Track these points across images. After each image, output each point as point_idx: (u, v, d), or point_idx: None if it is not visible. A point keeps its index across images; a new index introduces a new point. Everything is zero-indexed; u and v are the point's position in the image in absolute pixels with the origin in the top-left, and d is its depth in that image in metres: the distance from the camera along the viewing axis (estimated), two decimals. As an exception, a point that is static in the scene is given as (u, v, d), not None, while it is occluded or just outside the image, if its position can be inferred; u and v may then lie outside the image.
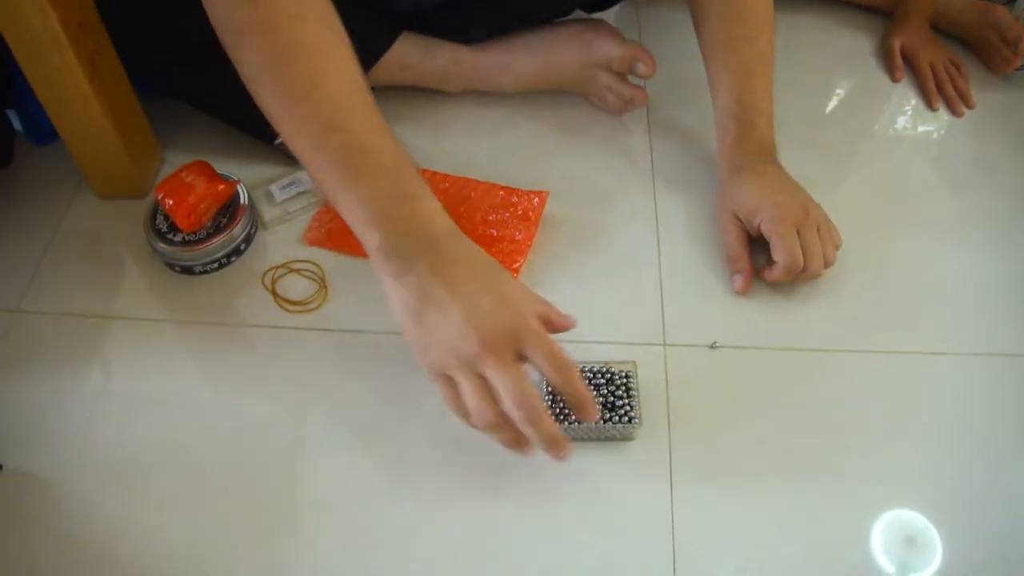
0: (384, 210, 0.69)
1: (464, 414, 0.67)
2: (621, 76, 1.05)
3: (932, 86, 1.18)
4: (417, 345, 0.69)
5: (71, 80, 0.86)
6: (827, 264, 0.89)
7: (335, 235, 0.94)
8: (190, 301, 0.90)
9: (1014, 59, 1.18)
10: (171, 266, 0.91)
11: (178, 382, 0.84)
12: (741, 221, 0.92)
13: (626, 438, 0.79)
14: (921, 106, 1.16)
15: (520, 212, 0.95)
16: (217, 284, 0.91)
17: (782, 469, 0.79)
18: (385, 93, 1.07)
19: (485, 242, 0.91)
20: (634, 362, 0.80)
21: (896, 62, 1.20)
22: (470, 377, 0.66)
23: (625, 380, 0.79)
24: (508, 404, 0.65)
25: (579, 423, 0.75)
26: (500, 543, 0.74)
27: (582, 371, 0.78)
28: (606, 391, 0.78)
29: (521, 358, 0.67)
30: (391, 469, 0.78)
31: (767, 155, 0.94)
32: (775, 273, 0.89)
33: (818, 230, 0.89)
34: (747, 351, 0.87)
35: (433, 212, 0.71)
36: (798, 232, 0.88)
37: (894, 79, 1.20)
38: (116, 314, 0.89)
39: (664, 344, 0.87)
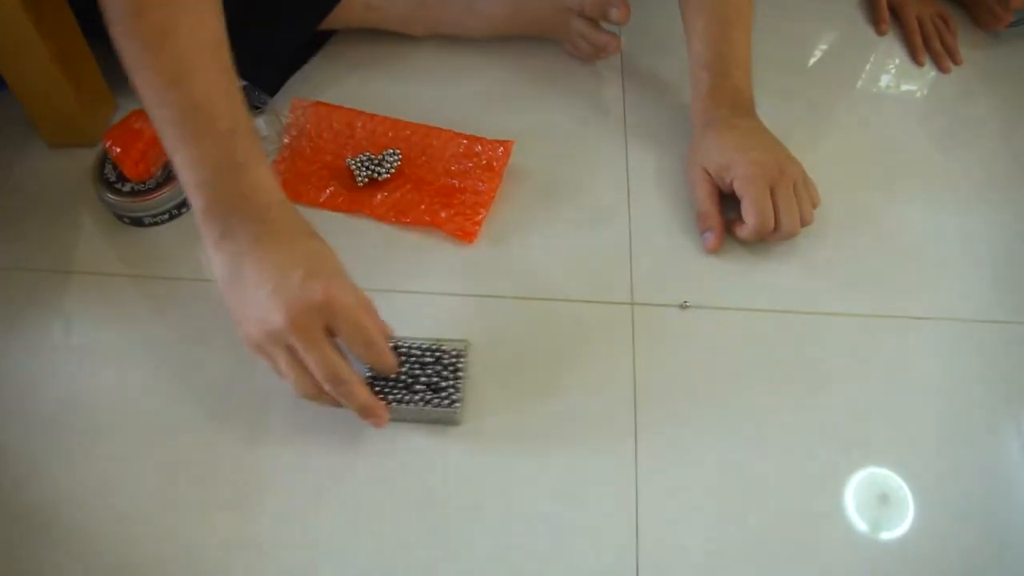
0: (210, 175, 0.68)
1: (287, 381, 0.69)
2: (594, 22, 1.02)
3: (919, 39, 1.16)
4: (233, 315, 0.69)
5: (16, 23, 0.83)
6: (804, 223, 0.87)
7: (292, 184, 0.91)
8: (140, 254, 0.87)
9: (1004, 16, 1.16)
10: (120, 218, 0.89)
11: (128, 337, 0.82)
12: (712, 177, 0.90)
13: (450, 422, 0.76)
14: (906, 61, 1.15)
15: (484, 162, 0.92)
16: (168, 236, 0.89)
17: (752, 431, 0.78)
18: (349, 36, 1.06)
19: (446, 193, 0.89)
20: (466, 340, 0.79)
21: (882, 14, 1.19)
22: (281, 351, 0.67)
23: (454, 360, 0.76)
24: (319, 379, 0.67)
25: (398, 403, 0.73)
26: (460, 508, 0.73)
27: (410, 348, 0.76)
28: (431, 371, 0.75)
29: (331, 332, 0.68)
30: (352, 425, 0.76)
31: (742, 108, 0.92)
32: (745, 233, 0.87)
33: (795, 188, 0.87)
34: (718, 311, 0.86)
35: (262, 182, 0.70)
36: (772, 190, 0.86)
37: (879, 32, 1.18)
38: (66, 268, 0.86)
39: (632, 303, 0.85)
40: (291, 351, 0.67)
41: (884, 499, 0.75)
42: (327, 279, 0.67)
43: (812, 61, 1.13)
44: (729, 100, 0.92)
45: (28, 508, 0.72)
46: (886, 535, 0.73)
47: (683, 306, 0.85)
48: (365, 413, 0.70)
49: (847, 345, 0.84)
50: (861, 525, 0.73)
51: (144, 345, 0.81)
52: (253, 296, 0.67)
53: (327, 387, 0.67)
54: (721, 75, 0.92)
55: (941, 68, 1.14)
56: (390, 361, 0.70)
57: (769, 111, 0.94)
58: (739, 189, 0.86)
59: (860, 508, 0.74)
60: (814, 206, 0.89)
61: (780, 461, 0.77)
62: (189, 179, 0.69)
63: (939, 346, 0.85)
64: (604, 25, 1.03)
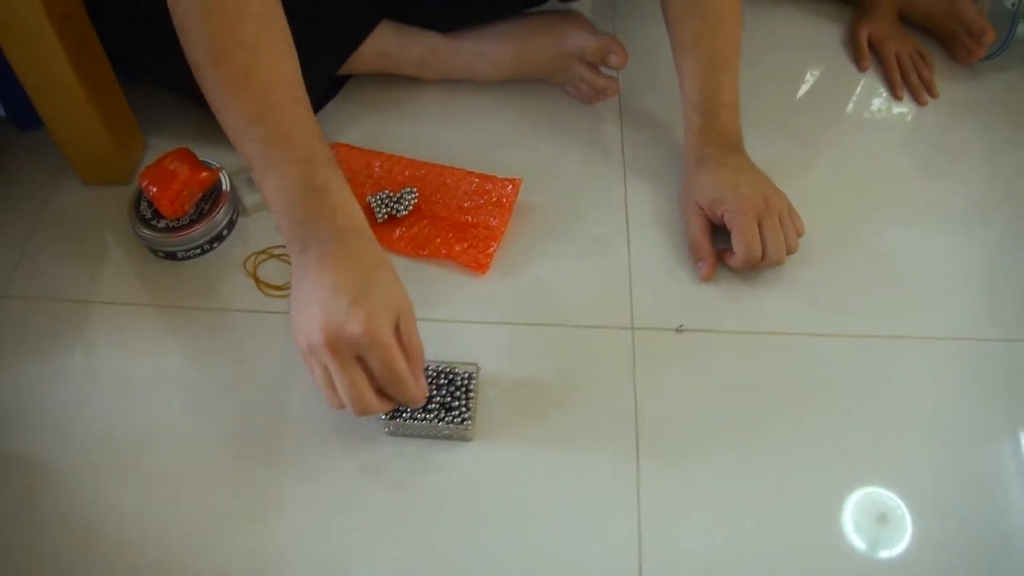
0: (292, 199, 0.74)
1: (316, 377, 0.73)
2: (594, 67, 1.06)
3: (897, 76, 1.20)
4: (290, 319, 0.74)
5: (56, 68, 0.87)
6: (789, 252, 0.91)
7: None
8: (174, 286, 0.91)
9: (977, 50, 1.19)
10: (155, 252, 0.93)
11: (163, 365, 0.86)
12: (704, 211, 0.94)
13: (462, 438, 0.80)
14: (887, 95, 1.18)
15: (495, 199, 0.97)
16: (200, 269, 0.93)
17: (750, 449, 0.81)
18: (364, 81, 1.10)
19: (460, 228, 0.94)
20: (476, 364, 0.82)
21: (863, 51, 1.22)
22: (318, 363, 0.71)
23: (466, 382, 0.81)
24: (343, 398, 0.71)
25: (414, 420, 0.78)
26: (468, 512, 0.77)
27: (425, 370, 0.79)
28: (446, 392, 0.80)
29: (361, 359, 0.71)
30: (372, 447, 0.80)
31: (731, 145, 0.96)
32: (735, 262, 0.91)
33: (781, 219, 0.91)
34: (713, 334, 0.89)
35: (341, 206, 0.75)
36: (759, 222, 0.90)
37: (860, 68, 1.21)
38: (102, 299, 0.90)
39: (632, 328, 0.89)
40: (324, 368, 0.71)
41: (882, 519, 0.77)
42: (371, 310, 0.69)
43: (799, 96, 1.17)
44: (718, 139, 0.96)
45: (77, 520, 0.76)
46: (885, 554, 0.75)
47: (679, 329, 0.89)
48: (414, 404, 0.75)
49: (839, 365, 0.87)
50: (860, 544, 0.76)
51: (178, 371, 0.85)
52: (306, 311, 0.71)
53: (347, 405, 0.71)
54: (710, 116, 0.96)
55: (919, 101, 1.17)
56: (414, 395, 0.73)
57: (759, 143, 0.97)
58: (729, 222, 0.91)
59: (859, 528, 0.76)
60: (799, 235, 0.92)
61: (778, 479, 0.79)
62: (276, 203, 0.75)
63: (931, 365, 0.88)
64: (603, 69, 1.07)
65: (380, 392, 0.73)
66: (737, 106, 0.98)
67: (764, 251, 0.90)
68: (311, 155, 0.74)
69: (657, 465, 0.80)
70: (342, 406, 0.72)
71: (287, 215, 0.74)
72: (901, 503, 0.78)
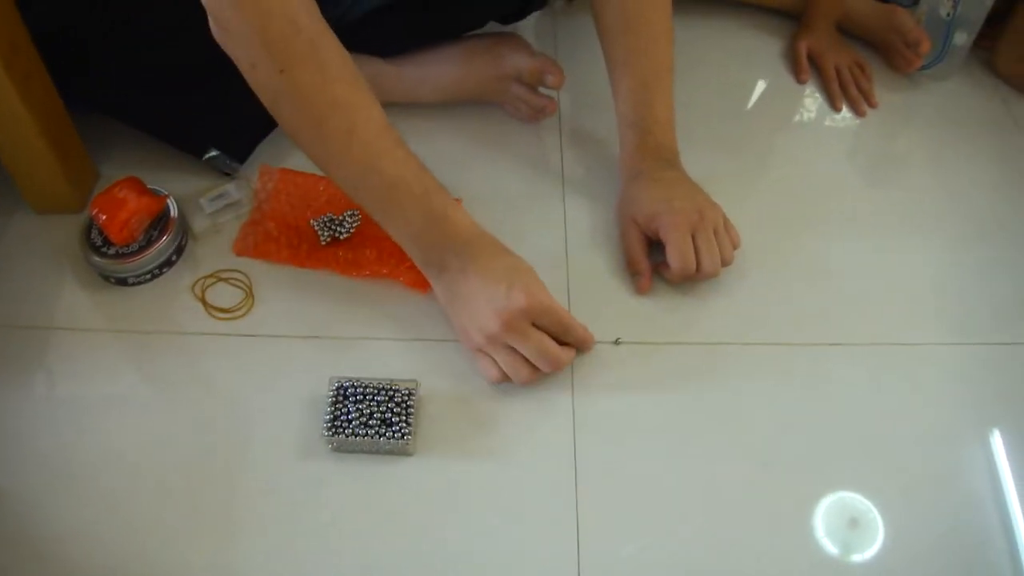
0: (419, 230, 0.84)
1: (498, 378, 0.84)
2: (532, 87, 1.08)
3: (836, 87, 1.22)
4: (458, 329, 0.86)
5: (4, 101, 0.87)
6: (724, 263, 0.92)
7: (261, 244, 0.97)
8: (125, 311, 0.92)
9: (915, 60, 1.21)
10: (106, 278, 0.94)
11: (116, 388, 0.86)
12: (640, 226, 0.95)
13: (403, 453, 0.82)
14: (827, 107, 1.20)
15: (436, 219, 0.98)
16: (150, 294, 0.94)
17: (688, 459, 0.83)
18: None
19: (399, 250, 0.94)
20: (416, 381, 0.84)
21: (802, 64, 1.24)
22: (501, 350, 0.83)
23: (405, 398, 0.82)
24: (536, 362, 0.83)
25: (355, 436, 0.80)
26: (414, 521, 0.79)
27: (365, 388, 0.83)
28: (384, 408, 0.82)
29: (536, 325, 0.82)
30: (316, 463, 0.81)
31: (665, 160, 0.97)
32: (670, 275, 0.93)
33: (715, 231, 0.92)
34: (651, 346, 0.91)
35: (461, 223, 0.85)
36: (694, 235, 0.91)
37: (800, 80, 1.23)
38: (55, 325, 0.91)
39: None
40: (508, 349, 0.82)
41: (854, 523, 0.78)
42: (525, 287, 0.82)
43: (739, 108, 1.18)
44: (653, 154, 0.97)
45: (32, 542, 0.76)
46: (857, 558, 0.77)
47: (616, 342, 0.91)
48: (586, 346, 0.88)
49: (777, 374, 0.89)
50: (832, 550, 0.77)
51: (129, 395, 0.86)
52: (470, 312, 0.83)
53: (543, 366, 0.83)
54: (644, 132, 0.98)
55: (858, 112, 1.19)
56: (585, 336, 0.87)
57: (698, 156, 0.98)
58: (663, 236, 0.92)
59: (830, 533, 0.78)
60: (735, 247, 0.94)
61: (736, 488, 0.81)
62: (404, 238, 0.86)
63: (876, 371, 0.89)
64: (541, 89, 1.09)
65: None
66: (671, 122, 0.99)
67: (699, 264, 0.91)
68: (426, 189, 0.84)
69: (596, 476, 0.81)
70: (532, 375, 0.83)
71: (417, 246, 0.86)
72: (872, 507, 0.80)
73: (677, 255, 0.91)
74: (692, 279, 0.93)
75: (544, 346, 0.82)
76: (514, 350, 0.83)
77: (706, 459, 0.83)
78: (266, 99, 0.81)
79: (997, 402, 0.88)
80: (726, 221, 0.95)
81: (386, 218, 0.85)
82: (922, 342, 0.92)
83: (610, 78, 1.02)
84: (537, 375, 0.84)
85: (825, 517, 0.79)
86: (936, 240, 1.03)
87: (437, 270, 0.85)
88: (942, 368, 0.91)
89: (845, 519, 0.79)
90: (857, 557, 0.77)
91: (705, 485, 0.81)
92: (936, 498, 0.81)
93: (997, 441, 0.85)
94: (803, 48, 1.25)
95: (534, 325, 0.82)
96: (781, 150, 1.13)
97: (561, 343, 0.85)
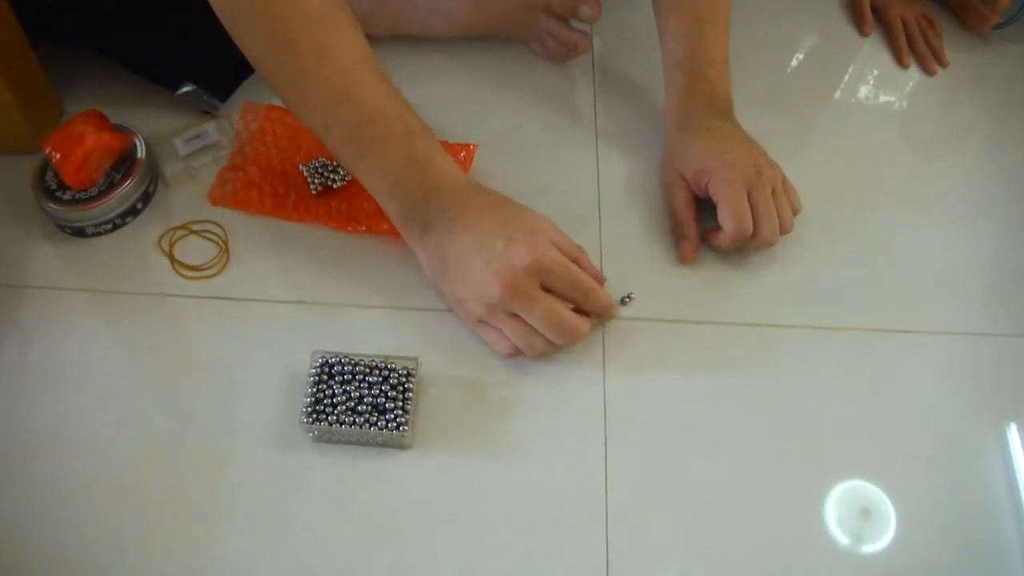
0: (397, 179, 0.75)
1: (510, 352, 0.76)
2: (563, 19, 1.00)
3: (903, 41, 1.15)
4: (451, 301, 0.78)
5: None
6: (783, 231, 0.85)
7: (241, 193, 0.88)
8: (82, 266, 0.85)
9: (991, 16, 1.14)
10: (62, 228, 0.86)
11: (67, 355, 0.80)
12: (687, 182, 0.87)
13: (398, 446, 0.74)
14: (891, 64, 1.13)
15: (446, 168, 0.89)
16: (111, 247, 0.86)
17: (728, 445, 0.77)
18: None
19: None
20: (416, 359, 0.76)
21: (866, 15, 1.17)
22: (506, 319, 0.74)
23: (403, 380, 0.73)
24: (546, 333, 0.74)
25: (341, 424, 0.71)
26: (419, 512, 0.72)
27: (355, 365, 0.74)
28: (377, 390, 0.73)
29: (545, 287, 0.73)
30: (296, 454, 0.74)
31: (718, 109, 0.90)
32: (721, 240, 0.84)
33: (774, 192, 0.84)
34: (694, 325, 0.83)
35: (447, 171, 0.76)
36: (750, 194, 0.83)
37: (863, 33, 1.17)
38: (2, 280, 0.84)
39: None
40: (514, 318, 0.74)
41: (865, 513, 0.74)
42: (528, 239, 0.73)
43: (793, 65, 1.12)
44: (704, 100, 0.90)
45: None
46: (868, 548, 0.72)
47: (625, 301, 0.83)
48: (608, 313, 0.79)
49: (826, 358, 0.83)
50: (843, 539, 0.72)
51: (86, 361, 0.79)
52: (464, 277, 0.74)
53: (556, 339, 0.74)
54: (695, 74, 0.90)
55: (927, 70, 1.12)
56: (607, 301, 0.77)
57: (748, 116, 0.92)
58: (714, 192, 0.84)
59: (841, 522, 0.73)
60: (795, 212, 0.86)
61: (758, 475, 0.75)
62: (378, 187, 0.76)
63: (923, 359, 0.84)
64: (574, 23, 1.01)
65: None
66: (727, 64, 0.92)
67: (756, 227, 0.83)
68: (408, 129, 0.75)
69: (627, 475, 0.74)
70: (547, 348, 0.75)
71: (395, 197, 0.76)
72: (885, 497, 0.75)
73: (731, 215, 0.82)
74: (745, 247, 0.85)
75: (556, 312, 0.73)
76: (519, 319, 0.74)
77: (755, 450, 0.77)
78: (225, 13, 0.73)
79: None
80: (786, 182, 0.87)
81: (358, 161, 0.76)
82: (980, 332, 0.87)
83: (655, 9, 0.94)
84: (553, 347, 0.76)
85: (895, 511, 0.74)
86: (994, 221, 0.97)
87: (420, 230, 0.76)
88: (973, 359, 0.85)
89: (922, 517, 0.75)
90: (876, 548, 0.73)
91: (753, 479, 0.75)
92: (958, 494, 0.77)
93: None
94: (867, -3, 1.19)
95: (543, 287, 0.73)
96: (837, 112, 1.07)
97: (579, 311, 0.76)
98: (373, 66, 0.75)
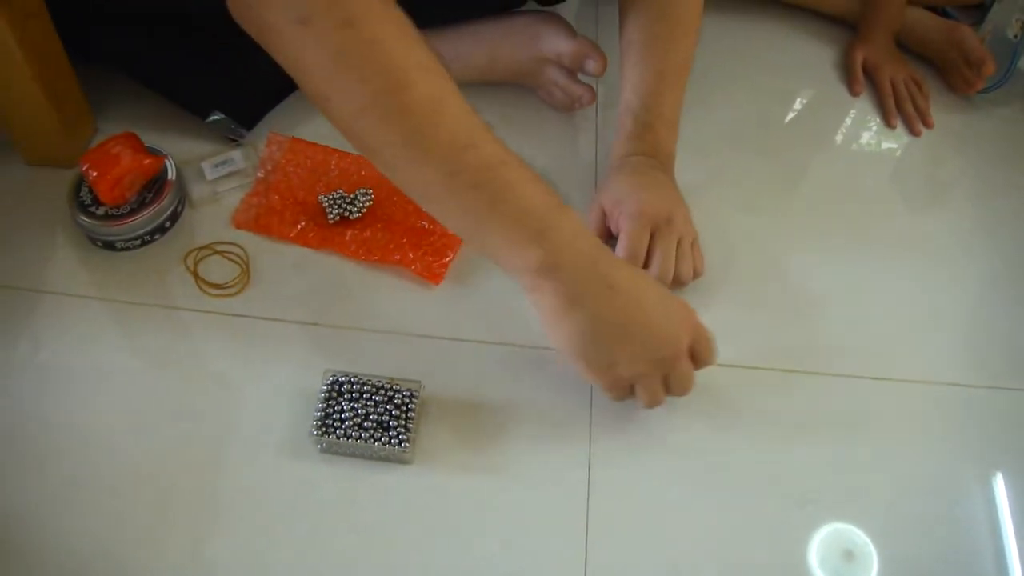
0: (540, 224, 0.68)
1: (652, 405, 0.75)
2: (570, 72, 1.02)
3: (892, 103, 1.17)
4: (597, 365, 0.72)
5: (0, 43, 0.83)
6: (679, 280, 0.86)
7: (264, 218, 0.91)
8: (110, 278, 0.87)
9: (976, 81, 1.17)
10: (93, 240, 0.89)
11: (92, 361, 0.81)
12: (605, 215, 0.89)
13: (399, 461, 0.76)
14: (879, 123, 1.15)
15: (455, 206, 0.92)
16: (138, 261, 0.89)
17: (709, 481, 0.78)
18: None
19: (415, 234, 0.90)
20: (419, 382, 0.78)
21: (857, 75, 1.19)
22: (658, 377, 0.73)
23: (407, 400, 0.76)
24: (673, 391, 0.75)
25: (348, 438, 0.74)
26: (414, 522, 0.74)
27: (363, 385, 0.76)
28: (382, 409, 0.75)
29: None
30: (304, 464, 0.76)
31: (659, 163, 0.91)
32: None
33: (680, 244, 0.86)
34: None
35: (578, 221, 0.71)
36: (652, 235, 0.85)
37: (853, 93, 1.18)
38: (35, 287, 0.86)
39: None
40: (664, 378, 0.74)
41: (849, 555, 0.75)
42: (689, 320, 0.74)
43: (786, 118, 1.13)
44: (647, 148, 0.91)
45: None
46: None
47: None
48: (708, 364, 0.77)
49: (808, 402, 0.84)
50: None
51: (108, 368, 0.81)
52: (629, 344, 0.71)
53: (679, 393, 0.75)
54: (645, 125, 0.91)
55: (912, 131, 1.14)
56: (711, 358, 0.77)
57: (739, 164, 0.94)
58: (621, 224, 0.85)
59: (824, 563, 0.74)
60: (696, 274, 0.87)
61: (741, 512, 0.76)
62: (515, 236, 0.68)
63: (905, 407, 0.85)
64: (581, 76, 1.02)
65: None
66: (676, 124, 0.93)
67: (647, 264, 0.84)
68: (535, 176, 0.69)
69: (609, 502, 0.76)
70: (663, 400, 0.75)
71: (539, 245, 0.68)
72: (868, 540, 0.76)
73: (627, 246, 0.83)
74: None
75: (690, 374, 0.75)
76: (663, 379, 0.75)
77: (735, 488, 0.78)
78: (319, 66, 0.64)
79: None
80: (695, 244, 0.88)
81: (491, 209, 0.67)
82: (960, 383, 0.88)
83: (621, 63, 0.95)
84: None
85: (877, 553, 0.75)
86: (972, 273, 0.99)
87: (568, 302, 0.69)
88: (954, 408, 0.86)
89: (904, 559, 0.76)
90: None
91: (732, 514, 0.77)
92: (942, 541, 0.78)
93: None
94: (859, 58, 1.20)
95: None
96: (827, 163, 1.09)
97: None
98: (482, 123, 0.68)
